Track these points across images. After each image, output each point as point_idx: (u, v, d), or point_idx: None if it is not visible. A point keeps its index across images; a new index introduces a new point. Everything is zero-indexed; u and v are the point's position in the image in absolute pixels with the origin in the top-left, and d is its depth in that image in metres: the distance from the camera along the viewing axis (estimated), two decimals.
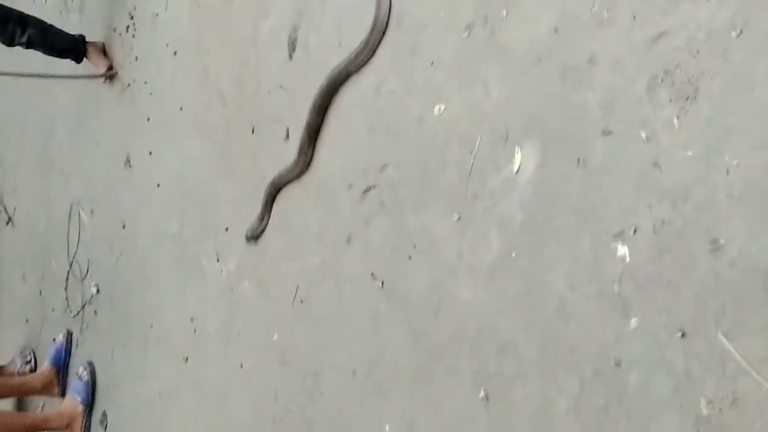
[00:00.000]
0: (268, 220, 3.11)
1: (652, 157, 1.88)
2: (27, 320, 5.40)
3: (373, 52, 2.68)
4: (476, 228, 2.31)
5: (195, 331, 3.57)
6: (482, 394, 2.28)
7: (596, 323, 1.99)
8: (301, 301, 2.96)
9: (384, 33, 2.64)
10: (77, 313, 4.57)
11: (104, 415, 4.29)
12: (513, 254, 2.21)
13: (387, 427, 2.59)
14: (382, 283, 2.62)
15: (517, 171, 2.20)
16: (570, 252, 2.06)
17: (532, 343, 2.16)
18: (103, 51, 4.42)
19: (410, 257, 2.53)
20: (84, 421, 4.34)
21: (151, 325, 3.90)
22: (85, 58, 4.46)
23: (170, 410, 3.75)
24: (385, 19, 2.63)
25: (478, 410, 2.29)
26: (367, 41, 2.66)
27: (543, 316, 2.13)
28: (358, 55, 2.70)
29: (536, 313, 2.15)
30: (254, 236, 3.16)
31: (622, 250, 1.94)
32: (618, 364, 1.94)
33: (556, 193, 2.10)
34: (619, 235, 1.94)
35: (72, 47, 4.36)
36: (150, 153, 3.95)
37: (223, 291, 3.38)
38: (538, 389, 2.14)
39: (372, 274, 2.65)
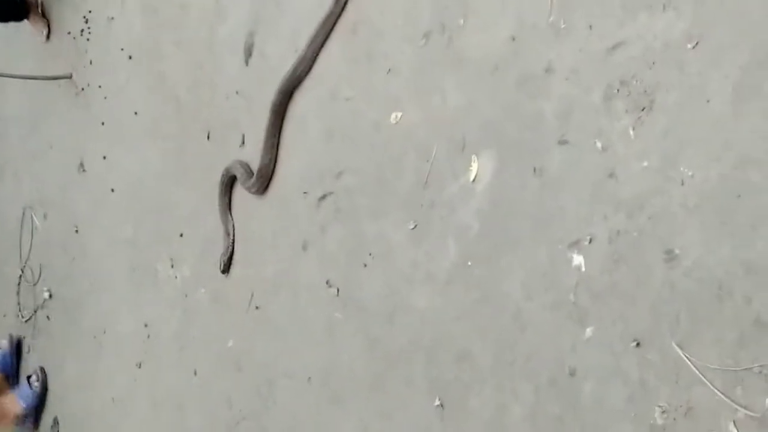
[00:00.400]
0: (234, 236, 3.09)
1: (607, 168, 1.88)
2: None
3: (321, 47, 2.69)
4: (433, 236, 2.31)
5: (149, 337, 3.54)
6: (437, 402, 2.27)
7: (552, 332, 2.00)
8: (257, 307, 2.94)
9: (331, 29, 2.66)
10: (29, 318, 4.52)
11: (55, 421, 4.25)
12: (469, 263, 2.21)
13: None
14: (338, 290, 2.61)
15: (474, 179, 2.20)
16: (526, 261, 2.06)
17: (487, 351, 2.16)
18: (42, 12, 4.58)
19: (366, 265, 2.52)
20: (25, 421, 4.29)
21: (104, 331, 3.87)
22: (26, 19, 4.67)
23: (123, 416, 3.72)
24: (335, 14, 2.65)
25: (434, 418, 2.29)
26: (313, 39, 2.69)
27: (499, 325, 2.13)
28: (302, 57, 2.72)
29: (492, 321, 2.15)
30: (226, 262, 3.13)
31: (578, 259, 1.94)
32: (573, 373, 1.94)
33: (513, 202, 2.10)
34: (575, 245, 1.94)
35: (14, 8, 4.58)
36: (104, 157, 3.91)
37: (177, 297, 3.36)
38: (493, 397, 2.14)
39: (328, 282, 2.65)
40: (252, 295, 2.96)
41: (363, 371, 2.52)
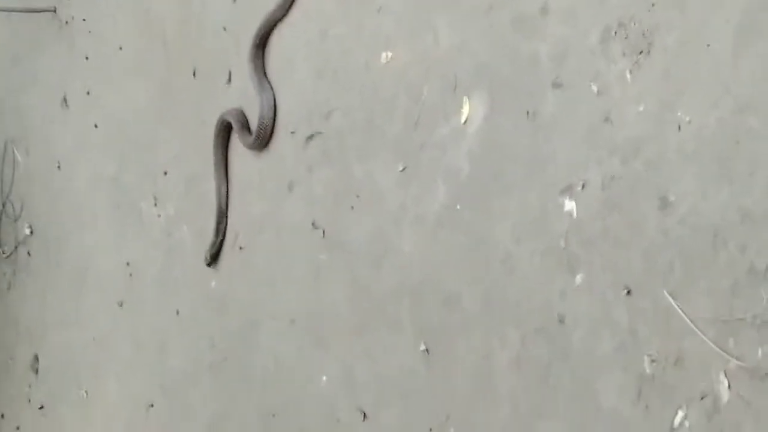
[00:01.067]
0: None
1: (603, 112, 1.84)
2: None
3: None
4: (422, 178, 2.27)
5: (131, 276, 3.50)
6: (423, 347, 2.25)
7: (541, 278, 1.97)
8: (240, 248, 2.90)
9: None
10: (9, 255, 4.46)
11: (36, 358, 4.22)
12: (458, 206, 2.17)
13: (324, 378, 2.56)
14: (324, 232, 2.57)
15: (465, 121, 2.16)
16: (517, 206, 2.03)
17: (475, 296, 2.13)
18: None
19: (353, 207, 2.48)
20: None
21: (86, 269, 3.82)
22: None
23: (104, 356, 3.69)
24: None
25: (419, 363, 2.26)
26: None
27: (488, 270, 2.10)
28: None
29: (481, 266, 2.12)
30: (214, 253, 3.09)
31: (570, 205, 1.91)
32: (562, 320, 1.92)
33: (505, 146, 2.07)
34: (567, 190, 1.91)
35: None
36: (88, 93, 3.83)
37: (160, 236, 3.31)
38: (480, 343, 2.11)
39: (313, 223, 2.61)
40: (236, 236, 2.92)
41: (348, 314, 2.49)
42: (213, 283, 3.03)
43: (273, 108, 2.74)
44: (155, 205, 3.35)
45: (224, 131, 2.96)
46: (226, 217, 3.01)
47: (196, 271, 3.13)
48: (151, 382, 3.38)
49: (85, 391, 3.78)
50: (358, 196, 2.46)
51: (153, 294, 3.36)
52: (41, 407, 4.15)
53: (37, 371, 4.20)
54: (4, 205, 4.49)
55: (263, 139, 2.76)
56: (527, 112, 2.00)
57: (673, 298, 1.70)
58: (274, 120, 2.74)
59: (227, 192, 2.99)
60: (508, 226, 2.04)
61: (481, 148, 2.12)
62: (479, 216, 2.12)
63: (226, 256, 2.96)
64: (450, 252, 2.20)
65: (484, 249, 2.11)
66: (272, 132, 2.75)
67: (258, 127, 2.75)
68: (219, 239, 3.00)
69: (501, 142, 2.07)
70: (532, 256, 1.99)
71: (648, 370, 1.75)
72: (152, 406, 3.35)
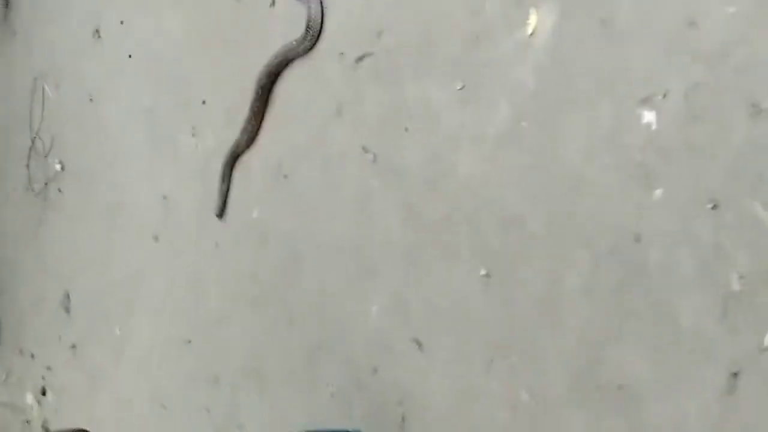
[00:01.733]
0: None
1: (687, 15, 1.73)
2: None
3: None
4: (482, 96, 2.16)
5: (167, 209, 3.40)
6: (483, 271, 2.15)
7: (615, 195, 1.86)
8: (285, 176, 2.80)
9: None
10: (39, 192, 4.37)
11: (67, 297, 4.14)
12: (523, 124, 2.07)
13: (374, 309, 2.47)
14: (375, 156, 2.47)
15: (532, 33, 2.04)
16: (588, 120, 1.92)
17: (540, 217, 2.03)
18: None
19: (407, 129, 2.37)
20: None
21: (120, 204, 3.73)
22: None
23: (138, 292, 3.61)
24: None
25: (478, 290, 2.17)
26: None
27: (554, 189, 1.99)
28: None
29: (546, 186, 2.01)
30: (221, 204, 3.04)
31: (649, 116, 1.80)
32: (638, 239, 1.81)
33: (576, 57, 1.95)
34: (646, 101, 1.80)
35: None
36: (121, 22, 3.72)
37: (198, 167, 3.21)
38: (546, 267, 2.01)
39: (364, 148, 2.50)
40: (279, 164, 2.82)
41: (400, 241, 2.39)
42: (255, 213, 2.94)
43: (321, 12, 2.63)
44: (193, 136, 3.25)
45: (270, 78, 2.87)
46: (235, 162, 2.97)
47: (236, 201, 3.03)
48: (187, 318, 3.30)
49: (119, 329, 3.70)
50: (411, 118, 2.35)
51: (191, 227, 3.27)
52: (73, 346, 4.08)
53: (68, 310, 4.13)
54: (33, 142, 4.40)
55: (311, 40, 2.66)
56: (601, 20, 1.89)
57: (764, 209, 1.60)
58: (322, 22, 2.63)
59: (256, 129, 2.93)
60: (579, 142, 1.94)
61: (549, 61, 2.01)
62: (546, 133, 2.01)
63: (269, 185, 2.86)
64: (512, 172, 2.09)
65: (552, 167, 2.00)
66: (320, 33, 2.65)
67: (306, 28, 2.65)
68: (225, 186, 2.94)
69: (572, 53, 1.96)
70: (604, 173, 1.88)
71: (736, 288, 1.65)
72: (189, 342, 3.27)
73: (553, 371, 1.99)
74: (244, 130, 2.91)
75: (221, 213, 3.04)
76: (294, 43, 2.70)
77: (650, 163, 1.79)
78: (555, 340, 1.99)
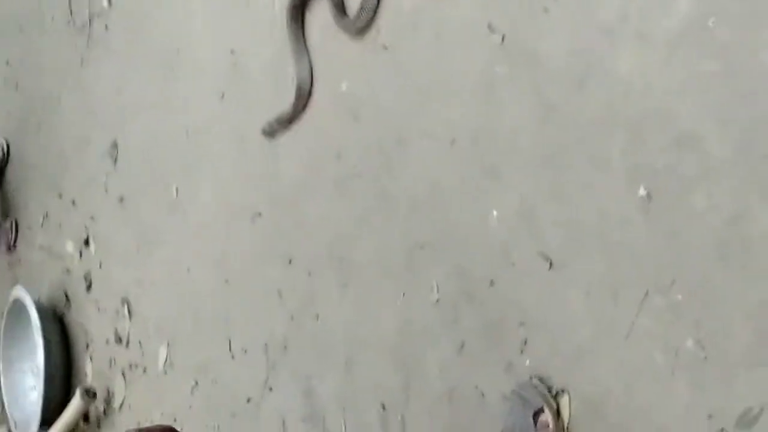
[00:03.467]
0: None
1: None
2: (21, 29, 4.80)
3: None
4: None
5: (235, 65, 3.05)
6: (642, 191, 1.82)
7: None
8: (385, 47, 2.43)
9: None
10: (83, 27, 3.99)
11: (114, 145, 3.83)
12: (710, 21, 1.69)
13: (494, 213, 2.15)
14: (503, 37, 2.10)
15: None
16: None
17: (725, 138, 1.68)
18: None
19: (547, 10, 2.00)
20: None
21: (177, 51, 3.37)
22: None
23: (199, 153, 3.30)
24: None
25: (634, 210, 1.83)
26: None
27: (747, 104, 1.64)
28: None
29: (737, 99, 1.65)
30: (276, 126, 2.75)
31: None
32: None
33: None
34: None
35: None
36: None
37: (275, 22, 2.83)
38: (728, 198, 1.68)
39: (490, 26, 2.13)
40: (378, 32, 2.45)
41: (531, 141, 2.05)
42: (344, 86, 2.59)
43: None
44: None
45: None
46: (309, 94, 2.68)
47: (320, 67, 2.68)
48: (257, 187, 2.99)
49: (176, 190, 3.40)
50: None
51: (263, 90, 2.92)
52: (121, 199, 3.79)
53: (116, 159, 3.82)
54: None
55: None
56: None
57: None
58: None
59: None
60: None
61: None
62: (741, 34, 1.64)
63: (363, 56, 2.50)
64: (690, 79, 1.73)
65: (744, 78, 1.64)
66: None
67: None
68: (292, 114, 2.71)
69: None
70: None
71: None
72: (259, 215, 2.97)
73: (730, 321, 1.69)
74: None
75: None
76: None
77: None
78: (736, 284, 1.68)
